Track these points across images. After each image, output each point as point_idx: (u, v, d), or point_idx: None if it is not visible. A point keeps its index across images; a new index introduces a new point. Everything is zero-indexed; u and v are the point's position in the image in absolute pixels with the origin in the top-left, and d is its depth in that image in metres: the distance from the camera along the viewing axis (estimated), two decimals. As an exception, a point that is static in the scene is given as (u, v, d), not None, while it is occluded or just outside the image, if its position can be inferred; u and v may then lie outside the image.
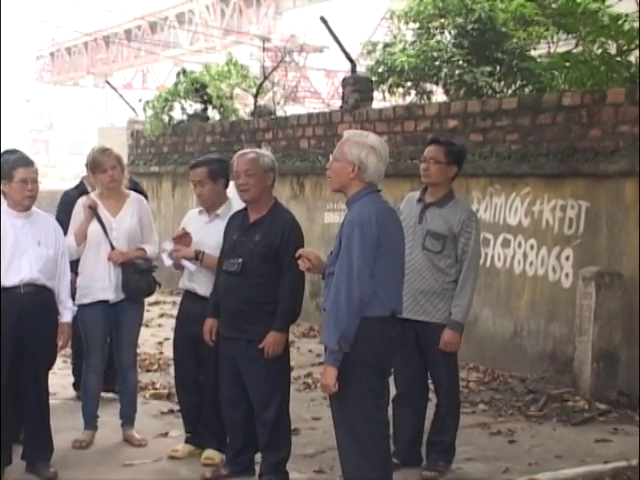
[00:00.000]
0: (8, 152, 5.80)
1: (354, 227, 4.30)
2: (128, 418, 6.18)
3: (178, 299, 6.16)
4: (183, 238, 5.67)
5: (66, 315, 5.54)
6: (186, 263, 5.64)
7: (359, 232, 4.28)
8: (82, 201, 6.05)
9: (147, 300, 6.32)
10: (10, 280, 5.30)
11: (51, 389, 5.73)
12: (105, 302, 5.95)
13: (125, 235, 6.01)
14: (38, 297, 5.36)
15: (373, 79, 10.90)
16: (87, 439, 6.04)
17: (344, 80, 11.06)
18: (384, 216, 4.39)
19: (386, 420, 4.57)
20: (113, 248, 5.95)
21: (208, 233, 5.65)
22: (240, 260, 5.20)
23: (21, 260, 5.33)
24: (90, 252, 5.98)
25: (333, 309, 4.27)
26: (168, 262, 5.71)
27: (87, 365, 6.11)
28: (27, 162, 5.45)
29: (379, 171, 4.45)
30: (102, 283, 5.94)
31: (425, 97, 11.36)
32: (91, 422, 6.10)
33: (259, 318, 5.15)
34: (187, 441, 5.88)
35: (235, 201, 5.66)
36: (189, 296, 5.76)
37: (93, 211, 5.98)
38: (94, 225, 5.97)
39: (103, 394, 6.31)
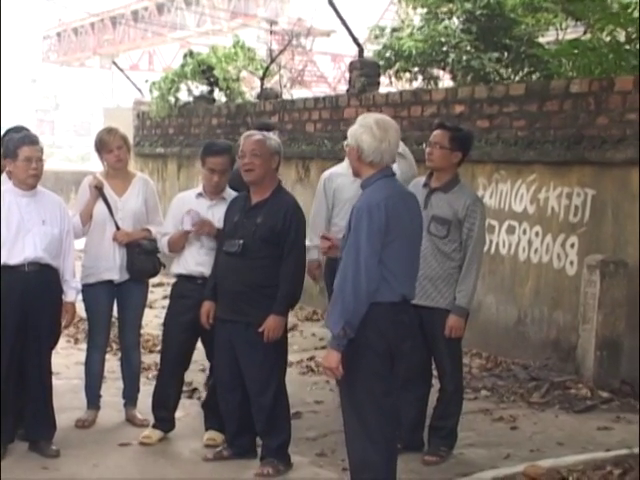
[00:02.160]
0: (13, 130, 5.80)
1: (362, 214, 4.26)
2: (131, 398, 6.18)
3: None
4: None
5: (70, 294, 5.54)
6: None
7: (367, 219, 4.23)
8: (88, 180, 6.05)
9: (151, 281, 6.32)
10: (14, 259, 5.30)
11: (54, 369, 5.75)
12: (109, 282, 5.96)
13: (130, 215, 6.01)
14: (42, 276, 5.35)
15: (380, 64, 10.88)
16: (90, 418, 6.05)
17: (351, 64, 11.02)
18: (394, 202, 4.33)
19: (394, 405, 4.47)
20: (118, 228, 5.95)
21: (214, 216, 5.60)
22: (241, 241, 5.16)
23: (25, 239, 5.32)
24: (95, 232, 5.97)
25: (339, 296, 4.23)
26: (188, 226, 5.58)
27: (91, 344, 6.14)
28: (32, 140, 5.43)
29: (378, 150, 4.33)
30: (107, 263, 5.94)
31: (432, 82, 11.35)
32: (94, 402, 6.12)
33: (259, 301, 5.12)
34: (154, 426, 5.80)
35: None
36: (188, 281, 5.64)
37: (99, 191, 5.97)
38: (100, 205, 5.96)
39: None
